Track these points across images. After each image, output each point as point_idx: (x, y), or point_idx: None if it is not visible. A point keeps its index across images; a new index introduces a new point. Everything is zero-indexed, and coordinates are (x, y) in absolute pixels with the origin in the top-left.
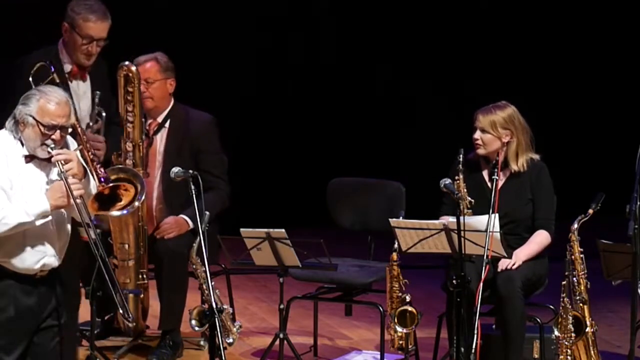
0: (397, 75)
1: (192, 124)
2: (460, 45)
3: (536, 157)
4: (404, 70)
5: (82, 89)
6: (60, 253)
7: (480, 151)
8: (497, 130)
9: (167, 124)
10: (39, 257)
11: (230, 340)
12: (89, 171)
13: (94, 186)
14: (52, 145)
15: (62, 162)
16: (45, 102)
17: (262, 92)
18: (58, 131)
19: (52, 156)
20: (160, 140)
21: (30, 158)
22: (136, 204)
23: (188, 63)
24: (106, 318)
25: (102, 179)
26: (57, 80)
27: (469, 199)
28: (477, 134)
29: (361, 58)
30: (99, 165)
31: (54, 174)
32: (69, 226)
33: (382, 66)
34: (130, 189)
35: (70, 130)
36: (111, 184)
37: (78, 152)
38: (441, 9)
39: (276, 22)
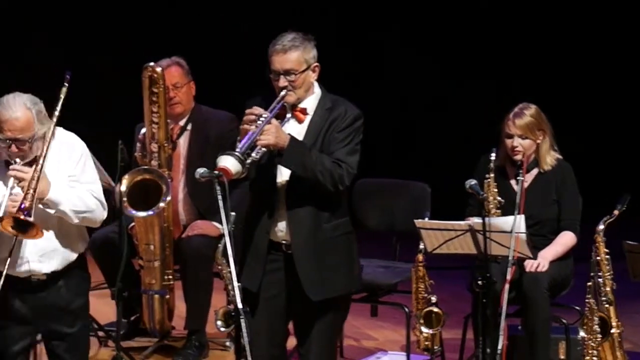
0: (424, 75)
1: (212, 124)
2: (484, 45)
3: (559, 156)
4: (430, 71)
5: (296, 131)
6: (49, 257)
7: (519, 157)
8: (534, 133)
9: (189, 127)
10: (20, 263)
11: None
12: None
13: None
14: (17, 159)
15: (16, 179)
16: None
17: None
18: (13, 144)
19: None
20: (183, 144)
21: (7, 163)
22: (161, 204)
23: (210, 64)
24: (132, 319)
25: (22, 207)
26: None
27: (499, 198)
28: (517, 141)
29: (385, 57)
30: (30, 196)
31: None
32: (51, 231)
33: (409, 66)
34: (38, 232)
35: (30, 142)
36: (22, 217)
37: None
38: (472, 8)
39: (283, 20)
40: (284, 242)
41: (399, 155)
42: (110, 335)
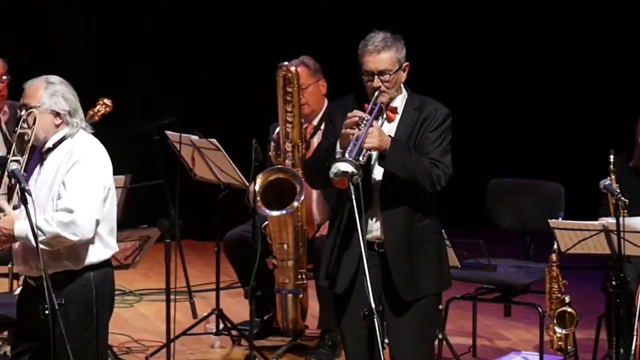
0: (556, 77)
1: None
2: (621, 44)
3: None
4: (562, 72)
5: (386, 130)
6: (21, 260)
7: None
8: None
9: (322, 127)
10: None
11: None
12: None
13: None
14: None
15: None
16: None
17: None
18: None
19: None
20: (316, 143)
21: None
22: (295, 204)
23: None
24: (265, 318)
25: None
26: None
27: (623, 199)
28: None
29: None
30: None
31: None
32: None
33: (544, 68)
34: None
35: (29, 110)
36: None
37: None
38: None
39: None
40: (376, 240)
41: (534, 155)
42: (244, 334)
